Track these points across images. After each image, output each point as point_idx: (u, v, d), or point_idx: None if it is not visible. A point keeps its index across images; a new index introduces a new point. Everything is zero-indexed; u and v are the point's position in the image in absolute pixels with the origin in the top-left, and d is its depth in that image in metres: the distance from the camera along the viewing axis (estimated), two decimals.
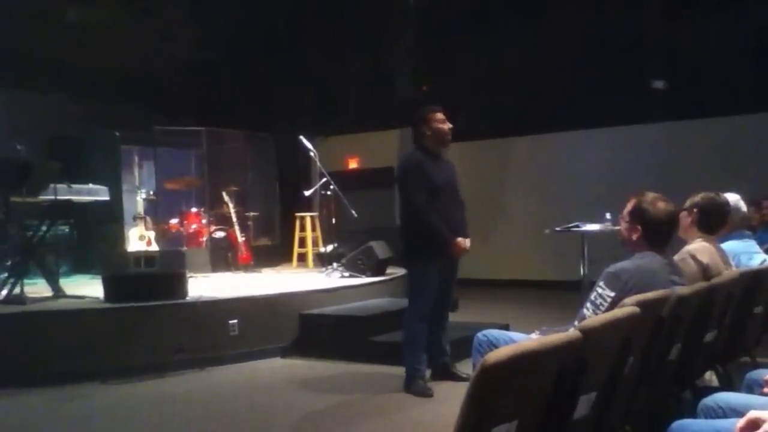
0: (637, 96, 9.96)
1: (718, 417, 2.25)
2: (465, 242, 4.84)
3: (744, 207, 4.09)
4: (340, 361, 5.87)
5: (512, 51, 10.52)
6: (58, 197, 6.32)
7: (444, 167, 4.95)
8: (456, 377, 5.04)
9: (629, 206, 2.99)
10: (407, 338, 4.90)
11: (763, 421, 1.77)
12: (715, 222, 3.62)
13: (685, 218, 3.56)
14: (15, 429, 4.43)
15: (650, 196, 2.96)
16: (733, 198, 3.99)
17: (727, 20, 8.99)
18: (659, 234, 2.92)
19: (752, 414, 1.82)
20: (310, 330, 6.32)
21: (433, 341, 5.03)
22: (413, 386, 4.80)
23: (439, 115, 4.84)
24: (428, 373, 5.07)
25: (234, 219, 9.10)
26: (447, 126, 4.85)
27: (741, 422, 1.82)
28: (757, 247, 4.11)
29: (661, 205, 2.91)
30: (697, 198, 3.62)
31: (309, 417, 4.30)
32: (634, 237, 2.94)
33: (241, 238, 9.05)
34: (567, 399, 1.83)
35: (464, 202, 5.09)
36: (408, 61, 10.97)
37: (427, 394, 4.74)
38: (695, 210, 3.58)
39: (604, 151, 10.71)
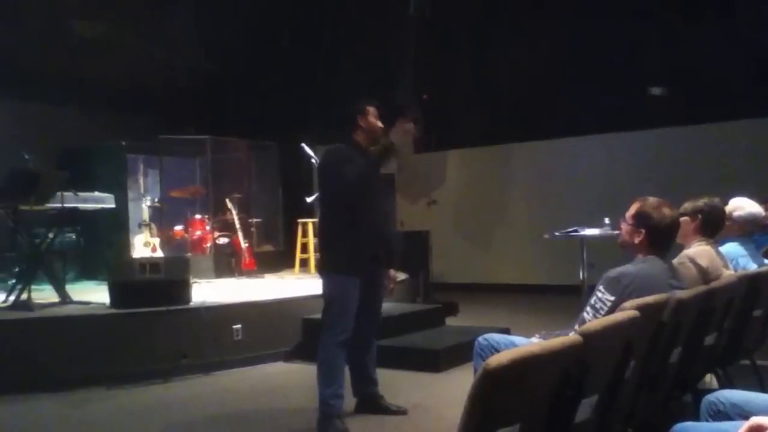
0: (636, 102, 9.99)
1: (720, 414, 2.26)
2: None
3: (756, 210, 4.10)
4: None
5: (511, 58, 10.55)
6: (65, 205, 6.37)
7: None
8: (385, 410, 4.46)
9: (633, 210, 2.98)
10: (322, 367, 4.14)
11: (765, 428, 1.77)
12: (716, 227, 3.63)
13: (687, 224, 3.54)
14: None
15: (655, 201, 2.96)
16: (743, 202, 4.04)
17: (726, 26, 9.03)
18: (663, 239, 2.93)
19: (754, 420, 1.81)
20: (313, 334, 6.28)
21: (358, 369, 4.47)
22: (328, 427, 4.07)
23: (375, 110, 4.34)
24: (354, 403, 4.50)
25: (237, 226, 9.13)
26: (379, 124, 4.33)
27: (743, 428, 1.82)
28: (755, 251, 4.14)
29: (666, 211, 2.92)
30: (700, 203, 3.60)
31: (312, 420, 4.32)
32: (637, 240, 2.94)
33: (244, 245, 9.09)
34: (569, 402, 1.84)
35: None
36: (409, 70, 11.01)
37: None
38: (699, 215, 3.58)
39: (603, 156, 10.75)
